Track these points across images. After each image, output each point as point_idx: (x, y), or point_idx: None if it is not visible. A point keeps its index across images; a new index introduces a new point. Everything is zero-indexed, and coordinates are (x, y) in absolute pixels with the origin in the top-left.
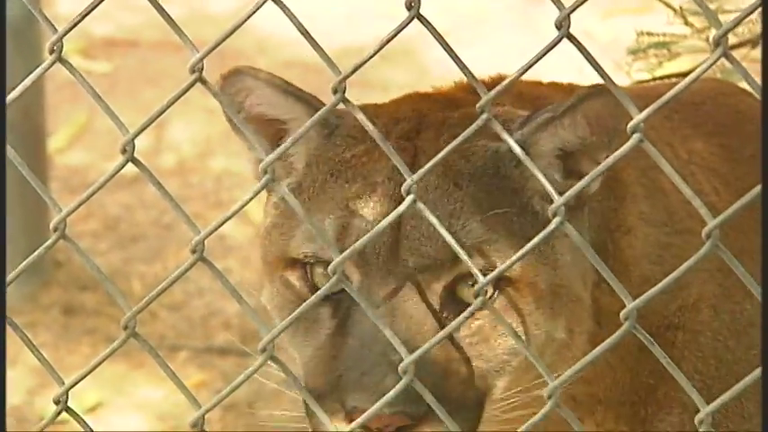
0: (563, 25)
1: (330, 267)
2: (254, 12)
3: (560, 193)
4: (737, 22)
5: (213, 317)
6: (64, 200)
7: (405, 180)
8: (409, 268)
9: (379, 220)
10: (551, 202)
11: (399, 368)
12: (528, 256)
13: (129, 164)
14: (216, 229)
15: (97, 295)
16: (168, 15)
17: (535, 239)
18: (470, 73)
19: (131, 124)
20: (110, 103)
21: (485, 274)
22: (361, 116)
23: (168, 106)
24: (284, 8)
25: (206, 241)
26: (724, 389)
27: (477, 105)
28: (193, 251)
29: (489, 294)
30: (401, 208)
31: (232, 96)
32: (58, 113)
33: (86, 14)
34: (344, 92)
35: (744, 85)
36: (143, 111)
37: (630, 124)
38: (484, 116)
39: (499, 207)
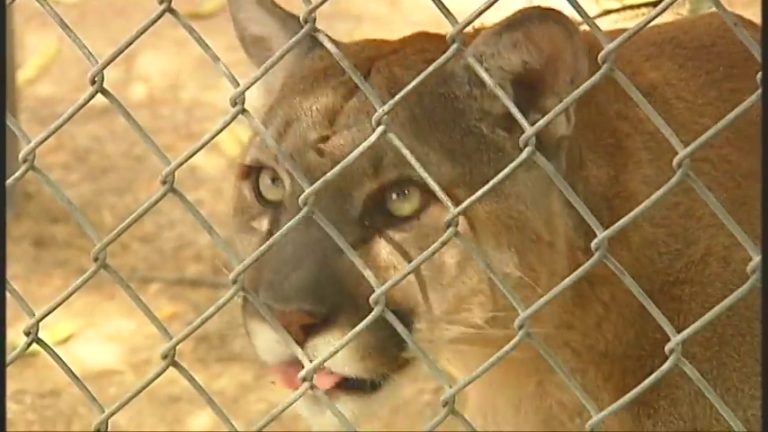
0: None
1: (303, 198)
2: None
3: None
4: None
5: (184, 248)
6: (33, 131)
7: (351, 96)
8: (330, 183)
9: (318, 120)
10: (505, 128)
11: (371, 299)
12: (465, 174)
13: (99, 95)
14: (186, 160)
15: (68, 227)
16: None
17: (500, 175)
18: (441, 3)
19: (101, 55)
20: (79, 34)
21: (408, 182)
22: (329, 45)
23: (137, 36)
24: None
25: (177, 173)
26: (736, 335)
27: (448, 36)
28: (164, 182)
29: (414, 208)
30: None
31: (236, 13)
32: (26, 44)
33: None
34: (315, 22)
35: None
36: (112, 42)
37: (601, 54)
38: (454, 46)
39: (439, 124)
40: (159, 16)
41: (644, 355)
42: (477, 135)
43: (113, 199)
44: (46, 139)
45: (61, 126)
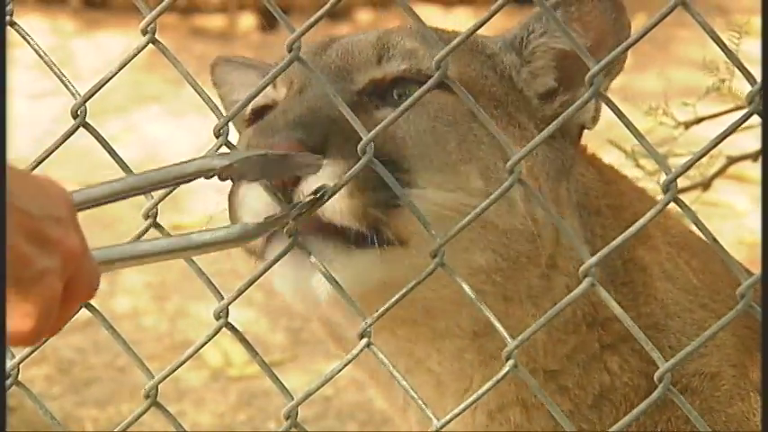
0: (514, 171)
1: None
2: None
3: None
4: (687, 168)
5: None
6: None
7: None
8: (330, 60)
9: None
10: (540, 98)
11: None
12: (473, 74)
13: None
14: (169, 374)
15: None
16: (121, 160)
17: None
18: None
19: None
20: None
21: (410, 74)
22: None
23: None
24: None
25: (159, 385)
26: None
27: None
28: (147, 396)
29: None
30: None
31: (224, 95)
32: None
33: (41, 161)
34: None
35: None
36: None
37: (582, 269)
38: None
39: (461, 51)
40: (144, 232)
41: None
42: (505, 79)
43: (95, 412)
44: (30, 354)
45: (45, 342)
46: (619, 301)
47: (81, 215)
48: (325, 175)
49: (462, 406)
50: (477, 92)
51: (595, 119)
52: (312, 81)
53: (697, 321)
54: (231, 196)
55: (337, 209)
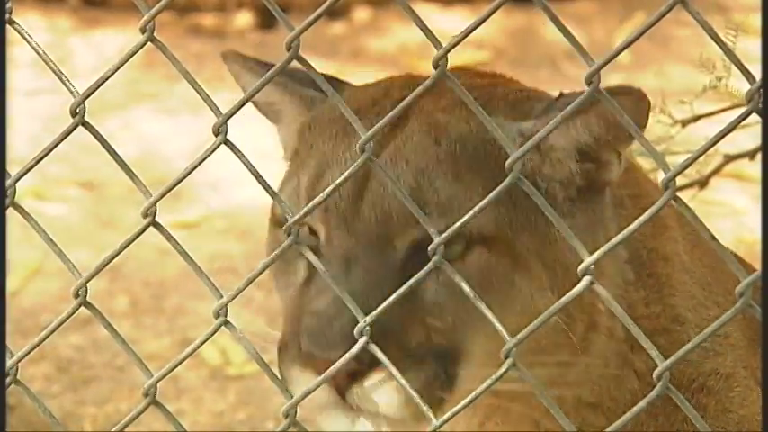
0: (514, 169)
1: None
2: (207, 156)
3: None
4: (686, 166)
5: None
6: (17, 343)
7: (388, 142)
8: (371, 224)
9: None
10: (561, 183)
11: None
12: (510, 218)
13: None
14: (168, 372)
15: None
16: (120, 158)
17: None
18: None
19: (85, 267)
20: (63, 245)
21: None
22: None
23: (121, 250)
24: (237, 151)
25: (158, 383)
26: None
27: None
28: (146, 395)
29: (458, 252)
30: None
31: (243, 86)
32: (10, 256)
33: (40, 159)
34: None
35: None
36: (97, 253)
37: (581, 267)
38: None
39: (483, 169)
40: (143, 230)
41: None
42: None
43: (94, 410)
44: (29, 353)
45: (44, 340)
46: (646, 295)
47: (79, 213)
48: (380, 383)
49: (461, 405)
50: (515, 255)
51: (618, 175)
52: (357, 251)
53: (713, 319)
54: (283, 368)
55: (391, 412)
